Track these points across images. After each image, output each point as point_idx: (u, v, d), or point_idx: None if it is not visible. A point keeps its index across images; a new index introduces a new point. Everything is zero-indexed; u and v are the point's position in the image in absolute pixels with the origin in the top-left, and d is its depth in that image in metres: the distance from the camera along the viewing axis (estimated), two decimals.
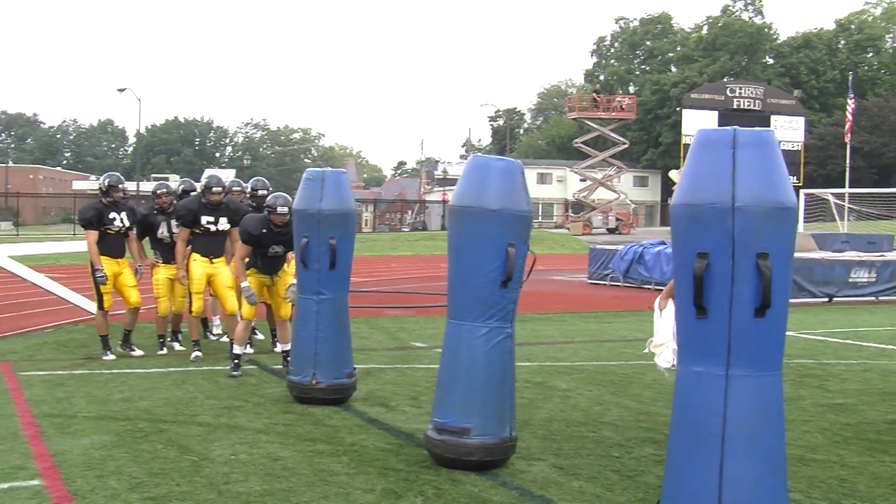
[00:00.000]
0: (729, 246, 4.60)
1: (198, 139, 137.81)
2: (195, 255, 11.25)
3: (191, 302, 11.47)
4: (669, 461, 4.93)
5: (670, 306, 7.97)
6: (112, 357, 11.30)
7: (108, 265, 11.26)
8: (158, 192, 12.02)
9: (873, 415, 8.84)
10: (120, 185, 11.39)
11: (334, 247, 8.80)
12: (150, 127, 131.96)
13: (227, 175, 61.91)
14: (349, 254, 9.07)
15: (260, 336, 13.09)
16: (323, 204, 8.78)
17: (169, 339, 12.18)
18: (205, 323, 12.73)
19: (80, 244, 12.92)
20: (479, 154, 7.04)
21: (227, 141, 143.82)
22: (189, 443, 7.36)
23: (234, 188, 12.94)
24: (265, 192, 12.25)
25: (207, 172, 13.83)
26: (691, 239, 4.73)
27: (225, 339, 12.65)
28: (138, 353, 11.59)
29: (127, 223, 11.47)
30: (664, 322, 7.83)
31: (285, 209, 10.08)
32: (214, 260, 11.32)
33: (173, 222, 11.75)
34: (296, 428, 7.97)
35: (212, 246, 11.29)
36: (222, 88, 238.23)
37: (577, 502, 6.06)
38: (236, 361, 10.39)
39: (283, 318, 10.74)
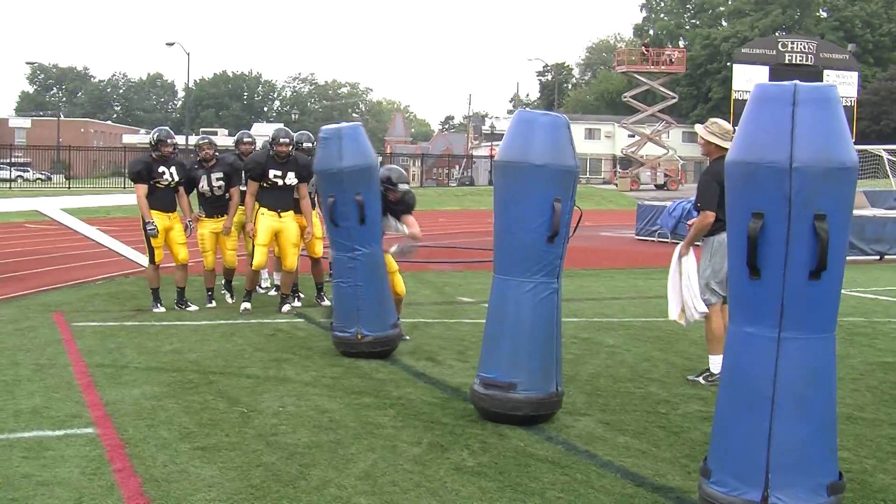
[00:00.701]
0: (785, 206, 4.45)
1: (246, 93, 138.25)
2: (262, 210, 11.25)
3: (252, 254, 11.49)
4: (717, 421, 4.90)
5: (688, 260, 8.00)
6: (162, 310, 11.41)
7: (158, 219, 11.33)
8: (201, 143, 12.02)
9: (888, 378, 8.77)
10: (169, 140, 11.41)
11: (361, 202, 8.79)
12: (198, 81, 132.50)
13: (271, 129, 62.44)
14: (377, 208, 9.06)
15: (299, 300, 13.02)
16: (343, 162, 8.76)
17: (222, 292, 12.30)
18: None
19: (130, 197, 13.02)
20: (525, 109, 6.99)
21: (275, 95, 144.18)
22: (238, 394, 7.45)
23: (245, 139, 12.83)
24: (310, 145, 12.26)
25: (261, 127, 13.93)
26: (746, 198, 4.59)
27: (273, 292, 12.74)
28: (193, 308, 11.64)
29: (177, 178, 11.48)
30: (679, 277, 7.93)
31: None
32: (282, 214, 11.27)
33: (214, 175, 11.82)
34: (343, 381, 8.04)
35: (280, 200, 11.23)
36: (270, 43, 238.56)
37: (622, 458, 6.08)
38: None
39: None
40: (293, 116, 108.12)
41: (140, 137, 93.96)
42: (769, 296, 4.57)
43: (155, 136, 11.49)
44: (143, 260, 12.79)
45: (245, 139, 12.66)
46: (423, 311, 12.03)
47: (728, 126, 7.86)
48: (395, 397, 7.50)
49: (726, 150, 6.67)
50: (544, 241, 6.59)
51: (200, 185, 11.84)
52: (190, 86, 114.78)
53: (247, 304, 11.44)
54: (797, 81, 4.54)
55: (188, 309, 11.60)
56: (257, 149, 12.33)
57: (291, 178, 11.20)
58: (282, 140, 11.08)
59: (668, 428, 6.81)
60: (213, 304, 11.90)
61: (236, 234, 12.11)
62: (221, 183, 11.84)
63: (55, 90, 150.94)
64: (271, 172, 11.09)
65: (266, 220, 11.21)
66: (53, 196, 25.22)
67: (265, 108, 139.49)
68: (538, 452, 6.14)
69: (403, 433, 6.50)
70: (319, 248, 12.10)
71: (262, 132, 38.00)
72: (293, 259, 11.32)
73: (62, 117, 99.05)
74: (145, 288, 12.03)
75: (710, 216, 7.85)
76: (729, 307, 4.86)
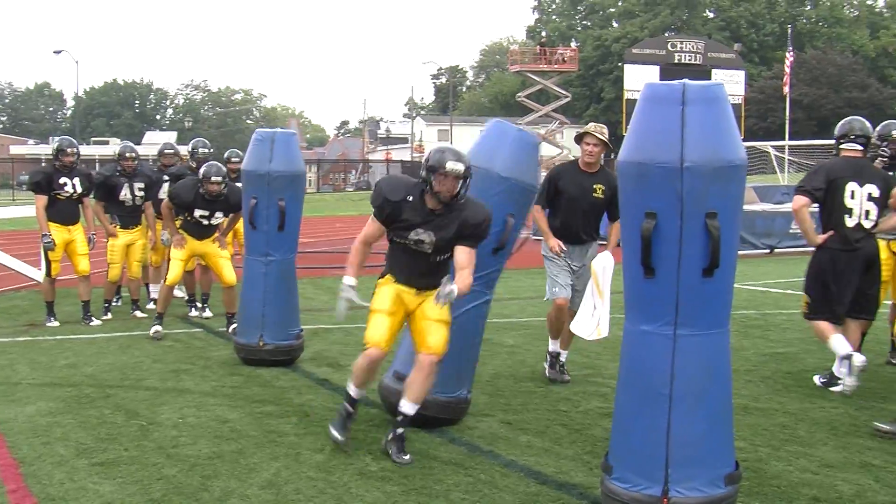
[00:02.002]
0: (677, 206, 4.50)
1: (137, 102, 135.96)
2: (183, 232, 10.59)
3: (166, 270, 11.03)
4: (617, 418, 4.96)
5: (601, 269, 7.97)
6: (56, 324, 11.11)
7: (58, 232, 10.96)
8: (126, 154, 11.64)
9: (813, 362, 9.00)
10: (70, 150, 11.02)
11: (283, 208, 8.76)
12: (88, 90, 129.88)
13: (168, 138, 61.04)
14: (298, 216, 9.05)
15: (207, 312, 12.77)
16: (272, 165, 8.73)
17: (132, 308, 12.00)
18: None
19: (19, 209, 12.73)
20: (500, 119, 7.06)
21: (168, 103, 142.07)
22: (136, 407, 7.32)
23: (166, 151, 12.79)
24: (206, 150, 12.15)
25: (154, 136, 13.50)
26: (639, 198, 4.64)
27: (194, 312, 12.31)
28: (96, 322, 11.27)
29: (80, 189, 11.12)
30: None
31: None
32: (202, 239, 10.59)
33: (136, 185, 11.56)
34: (243, 390, 7.96)
35: (199, 232, 10.49)
36: (161, 50, 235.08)
37: (525, 456, 6.13)
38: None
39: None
40: (186, 124, 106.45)
41: (28, 148, 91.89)
42: (664, 294, 4.64)
43: (56, 145, 11.10)
44: (37, 274, 12.52)
45: (167, 150, 12.56)
46: (322, 317, 11.96)
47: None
48: (296, 405, 7.46)
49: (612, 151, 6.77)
50: (489, 251, 6.61)
51: (122, 194, 11.53)
52: (79, 94, 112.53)
53: (158, 327, 10.47)
54: (686, 81, 4.59)
55: (91, 324, 11.21)
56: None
57: (219, 218, 10.51)
58: (213, 178, 10.12)
59: (570, 426, 6.89)
60: (109, 315, 11.64)
61: (147, 246, 11.92)
62: (143, 193, 11.61)
63: None
64: (197, 212, 10.30)
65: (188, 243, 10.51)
66: None
67: (158, 117, 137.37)
68: (442, 454, 6.16)
69: (306, 440, 6.46)
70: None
71: (154, 141, 37.49)
72: (231, 272, 10.52)
73: None
74: (38, 302, 11.75)
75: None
76: (625, 305, 4.91)
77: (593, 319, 7.75)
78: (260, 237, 8.86)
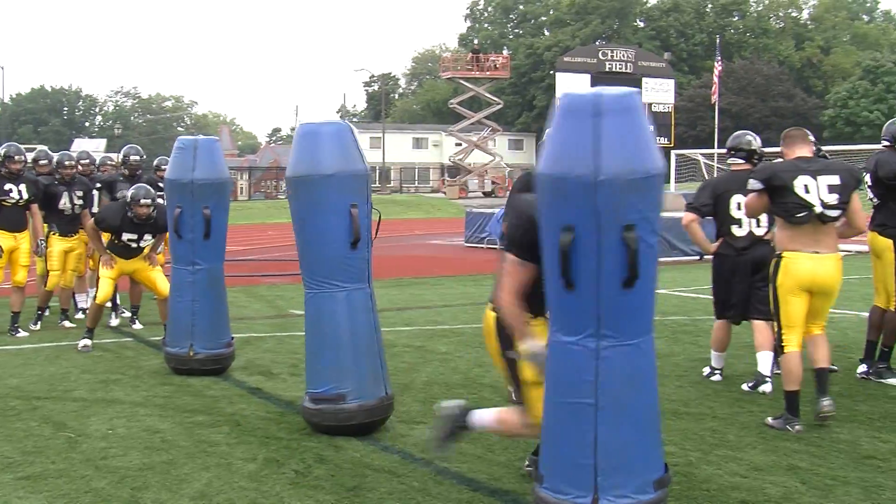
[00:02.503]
0: (594, 219, 4.46)
1: (66, 108, 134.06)
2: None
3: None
4: (545, 428, 4.96)
5: None
6: (24, 334, 10.89)
7: (3, 239, 10.74)
8: (65, 162, 11.46)
9: (742, 367, 9.11)
10: (17, 157, 10.83)
11: (208, 216, 8.70)
12: (14, 96, 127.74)
13: (97, 145, 59.98)
14: (224, 223, 8.99)
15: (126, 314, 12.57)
16: (196, 173, 8.66)
17: (60, 318, 11.78)
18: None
19: None
20: (305, 122, 7.01)
21: (97, 110, 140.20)
22: (64, 419, 7.22)
23: (107, 163, 12.71)
24: (137, 157, 11.98)
25: (83, 143, 13.05)
26: (556, 211, 4.59)
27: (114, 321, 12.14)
28: (24, 334, 10.98)
29: (26, 195, 10.89)
30: None
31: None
32: (130, 258, 10.34)
33: (76, 193, 11.38)
34: (174, 400, 7.89)
35: (127, 254, 10.24)
36: (91, 56, 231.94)
37: (458, 464, 6.14)
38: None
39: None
40: (116, 131, 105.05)
41: None
42: (585, 306, 4.62)
43: (2, 151, 10.88)
44: None
45: (66, 161, 12.30)
46: (254, 325, 11.89)
47: None
48: (228, 414, 7.40)
49: None
50: (348, 248, 6.64)
51: (62, 203, 11.34)
52: (5, 101, 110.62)
53: (87, 341, 10.13)
54: (600, 91, 4.54)
55: (18, 335, 10.93)
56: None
57: (147, 240, 10.20)
58: (142, 201, 9.80)
59: None
60: (39, 326, 11.41)
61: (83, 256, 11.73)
62: (81, 201, 11.44)
63: None
64: (125, 235, 10.03)
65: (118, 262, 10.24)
66: None
67: (87, 124, 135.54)
68: (374, 462, 6.15)
69: (238, 450, 6.42)
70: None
71: (83, 148, 36.99)
72: (165, 284, 10.08)
73: None
74: None
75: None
76: (549, 318, 4.90)
77: None
78: (186, 246, 8.79)
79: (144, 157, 12.16)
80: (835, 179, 6.95)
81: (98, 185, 11.83)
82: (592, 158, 4.43)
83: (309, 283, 6.83)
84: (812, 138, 7.51)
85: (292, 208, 6.82)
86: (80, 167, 12.10)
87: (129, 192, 9.98)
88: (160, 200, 10.01)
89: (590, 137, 4.45)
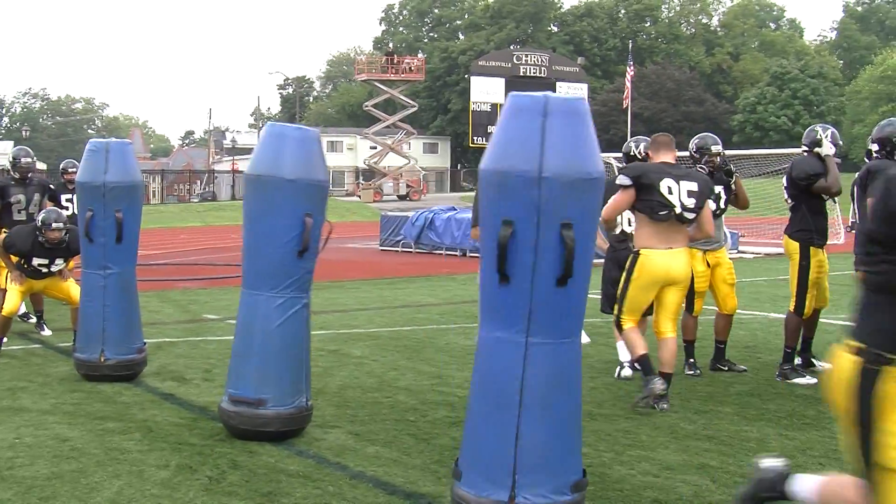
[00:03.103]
0: (534, 215, 4.56)
1: None
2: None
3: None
4: (468, 423, 5.00)
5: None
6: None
7: None
8: None
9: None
10: None
11: (120, 220, 8.57)
12: None
13: (4, 148, 58.69)
14: (136, 227, 8.85)
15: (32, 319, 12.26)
16: (108, 176, 8.52)
17: None
18: None
19: None
20: (275, 122, 6.95)
21: (3, 111, 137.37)
22: None
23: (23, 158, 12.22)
24: (29, 160, 11.44)
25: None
26: (497, 205, 4.69)
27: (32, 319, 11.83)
28: None
29: None
30: None
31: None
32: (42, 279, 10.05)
33: None
34: (85, 407, 7.75)
35: (38, 276, 9.95)
36: None
37: (373, 467, 6.12)
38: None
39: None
40: (24, 133, 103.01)
41: None
42: (517, 301, 4.69)
43: None
44: None
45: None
46: (167, 330, 11.74)
47: None
48: (140, 420, 7.29)
49: None
50: (294, 255, 6.58)
51: None
52: None
53: None
54: (549, 93, 4.68)
55: None
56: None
57: (59, 265, 9.93)
58: (54, 226, 9.52)
59: (418, 435, 6.91)
60: None
61: None
62: None
63: None
64: (35, 260, 9.76)
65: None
66: None
67: None
68: (289, 467, 6.11)
69: (150, 457, 6.32)
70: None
71: None
72: (77, 292, 9.64)
73: None
74: None
75: None
76: (480, 312, 4.96)
77: None
78: (97, 250, 8.64)
79: (35, 159, 11.74)
80: (694, 186, 7.61)
81: None
82: (537, 155, 4.55)
83: (248, 283, 6.74)
84: (675, 146, 7.96)
85: (245, 206, 6.73)
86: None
87: (40, 217, 9.67)
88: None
89: (537, 136, 4.58)
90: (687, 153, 9.18)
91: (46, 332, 11.22)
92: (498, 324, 4.80)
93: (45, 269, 9.87)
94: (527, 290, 4.66)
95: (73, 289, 9.95)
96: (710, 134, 9.40)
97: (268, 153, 6.60)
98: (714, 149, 8.95)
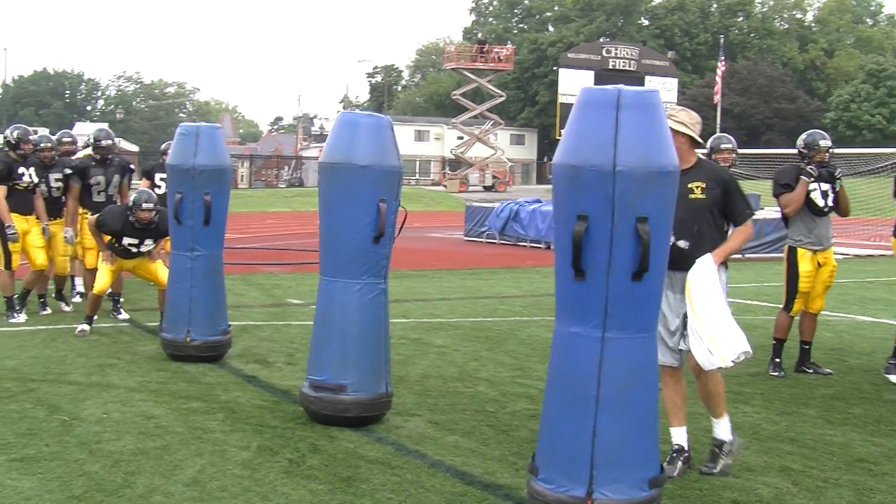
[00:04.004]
0: (609, 209, 4.53)
1: (68, 92, 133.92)
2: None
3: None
4: (544, 419, 4.99)
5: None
6: (23, 318, 10.70)
7: (17, 222, 10.61)
8: (42, 145, 11.20)
9: (736, 368, 9.09)
10: (30, 138, 10.78)
11: (209, 203, 8.69)
12: (16, 78, 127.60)
13: (98, 128, 60.18)
14: (224, 210, 8.97)
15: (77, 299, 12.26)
16: (197, 159, 8.65)
17: (55, 298, 11.70)
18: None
19: None
20: (351, 110, 6.99)
21: (99, 94, 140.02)
22: (59, 402, 7.21)
23: (64, 139, 12.50)
24: (109, 141, 11.54)
25: (84, 126, 12.54)
26: (571, 200, 4.66)
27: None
28: (21, 318, 10.78)
29: (36, 179, 10.83)
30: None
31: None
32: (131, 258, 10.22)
33: (52, 175, 11.24)
34: (170, 386, 7.88)
35: (128, 256, 10.08)
36: (93, 40, 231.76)
37: (452, 457, 6.14)
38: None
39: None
40: (118, 116, 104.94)
41: None
42: (593, 296, 4.66)
43: (16, 134, 10.73)
44: None
45: (64, 139, 12.28)
46: (252, 313, 11.89)
47: (698, 116, 6.29)
48: (223, 401, 7.40)
49: (700, 145, 6.21)
50: (370, 241, 6.62)
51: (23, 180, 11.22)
52: (7, 83, 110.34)
53: (86, 327, 10.06)
54: (621, 86, 4.63)
55: (15, 317, 10.72)
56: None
57: (149, 245, 10.04)
58: (144, 206, 9.62)
59: (497, 426, 6.91)
60: (47, 310, 11.30)
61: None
62: (60, 184, 11.36)
63: None
64: (126, 240, 9.90)
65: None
66: None
67: (88, 108, 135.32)
68: (368, 453, 6.15)
69: (232, 437, 6.42)
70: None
71: (85, 132, 36.76)
72: (166, 274, 9.80)
73: None
74: None
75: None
76: (556, 308, 4.93)
77: (703, 347, 5.90)
78: (185, 232, 8.78)
79: (115, 140, 11.82)
80: None
81: (68, 169, 11.47)
82: (611, 149, 4.51)
83: (326, 270, 6.80)
84: None
85: (321, 194, 6.80)
86: (60, 149, 11.95)
87: (132, 197, 9.82)
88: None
89: (610, 129, 4.54)
90: (782, 151, 9.02)
91: (123, 316, 11.23)
92: (574, 319, 4.78)
93: (134, 249, 10.01)
94: (602, 284, 4.63)
95: (160, 270, 10.09)
96: (818, 130, 9.26)
97: (341, 141, 6.65)
98: (822, 144, 8.82)
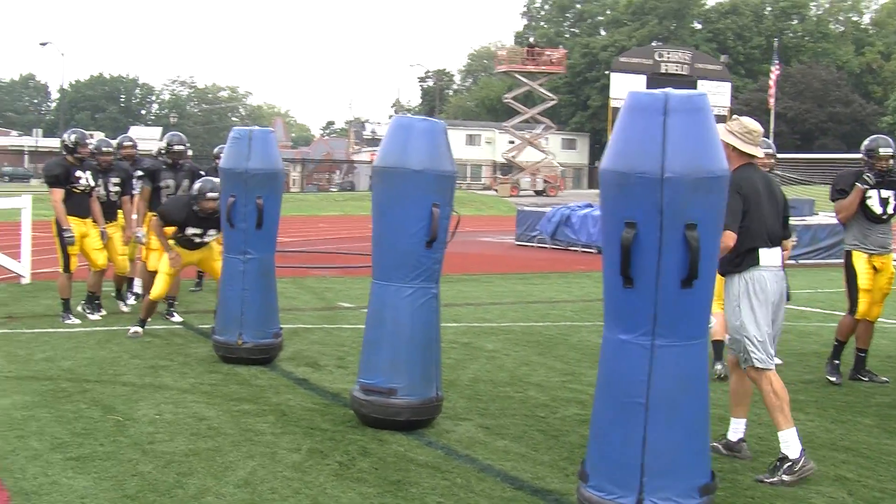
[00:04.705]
0: (657, 216, 4.49)
1: (123, 96, 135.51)
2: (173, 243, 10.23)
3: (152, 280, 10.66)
4: (594, 426, 4.97)
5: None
6: (76, 321, 10.81)
7: (75, 225, 10.74)
8: (102, 149, 11.45)
9: (790, 375, 9.02)
10: (87, 142, 10.92)
11: (261, 206, 8.75)
12: (73, 83, 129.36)
13: (153, 133, 60.31)
14: (276, 213, 9.02)
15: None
16: (250, 163, 8.72)
17: (116, 298, 11.91)
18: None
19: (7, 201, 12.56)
20: (404, 115, 7.00)
21: (153, 98, 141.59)
22: (113, 402, 7.29)
23: (125, 143, 12.66)
24: (181, 147, 11.73)
25: (139, 130, 12.90)
26: (619, 207, 4.63)
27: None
28: (96, 316, 11.06)
29: (92, 182, 10.96)
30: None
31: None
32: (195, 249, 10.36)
33: (112, 180, 11.43)
34: (221, 388, 7.94)
35: (191, 246, 10.21)
36: (148, 45, 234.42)
37: (501, 461, 6.13)
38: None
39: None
40: (172, 120, 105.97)
41: (12, 139, 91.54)
42: (642, 304, 4.63)
43: (72, 138, 10.86)
44: (17, 267, 12.42)
45: (126, 143, 12.47)
46: (303, 316, 11.95)
47: (754, 125, 6.28)
48: (274, 403, 7.44)
49: (751, 155, 6.15)
50: (423, 246, 6.63)
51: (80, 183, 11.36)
52: (65, 87, 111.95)
53: (139, 329, 10.21)
54: (669, 90, 4.58)
55: (91, 316, 11.01)
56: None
57: (212, 235, 10.15)
58: (209, 195, 9.67)
59: (547, 431, 6.89)
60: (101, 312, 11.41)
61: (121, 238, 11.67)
62: (118, 188, 11.51)
63: None
64: (189, 230, 10.01)
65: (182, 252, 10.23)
66: None
67: (143, 112, 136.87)
68: (418, 457, 6.16)
69: (283, 440, 6.45)
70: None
71: (139, 136, 37.15)
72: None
73: None
74: (16, 295, 11.71)
75: (729, 237, 5.87)
76: (604, 315, 4.90)
77: None
78: (238, 235, 8.84)
79: (188, 145, 11.99)
80: None
81: (139, 172, 11.68)
82: (659, 155, 4.46)
83: (378, 273, 6.82)
84: None
85: (374, 198, 6.84)
86: (121, 152, 12.21)
87: (196, 186, 9.93)
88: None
89: (657, 135, 4.49)
90: (840, 155, 8.94)
91: (176, 319, 11.32)
92: (622, 326, 4.75)
93: (197, 239, 10.12)
94: (651, 292, 4.60)
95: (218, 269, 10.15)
96: (883, 136, 9.12)
97: (395, 145, 6.66)
98: (882, 151, 8.70)
